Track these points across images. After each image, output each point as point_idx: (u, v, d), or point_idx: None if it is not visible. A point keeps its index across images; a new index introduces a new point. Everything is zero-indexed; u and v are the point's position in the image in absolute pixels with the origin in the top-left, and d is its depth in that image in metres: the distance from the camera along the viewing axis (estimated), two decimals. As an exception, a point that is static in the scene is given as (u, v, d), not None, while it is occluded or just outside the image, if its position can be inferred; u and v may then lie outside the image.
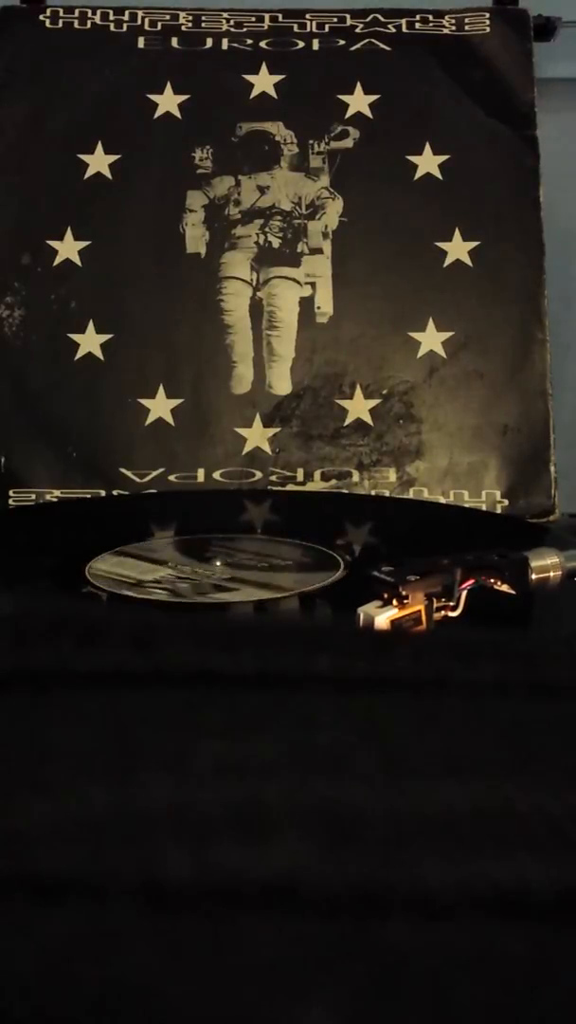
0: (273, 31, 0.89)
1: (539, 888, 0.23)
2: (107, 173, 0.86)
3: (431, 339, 0.84)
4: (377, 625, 0.48)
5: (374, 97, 0.87)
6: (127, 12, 0.89)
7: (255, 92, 0.87)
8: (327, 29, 0.89)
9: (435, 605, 0.50)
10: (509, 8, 0.91)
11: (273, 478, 0.83)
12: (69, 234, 0.85)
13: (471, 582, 0.51)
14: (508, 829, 0.24)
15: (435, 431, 0.83)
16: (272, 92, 0.87)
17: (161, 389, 0.83)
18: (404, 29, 0.88)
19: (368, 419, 0.84)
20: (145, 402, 0.83)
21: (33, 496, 0.82)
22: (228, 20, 0.89)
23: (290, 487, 0.83)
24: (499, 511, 0.82)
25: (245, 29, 0.89)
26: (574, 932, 0.22)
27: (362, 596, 0.50)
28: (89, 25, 0.88)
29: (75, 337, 0.84)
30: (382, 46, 0.88)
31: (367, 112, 0.87)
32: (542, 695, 0.31)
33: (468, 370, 0.84)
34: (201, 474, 0.83)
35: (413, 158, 0.86)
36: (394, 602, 0.49)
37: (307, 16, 0.89)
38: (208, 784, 0.25)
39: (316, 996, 0.20)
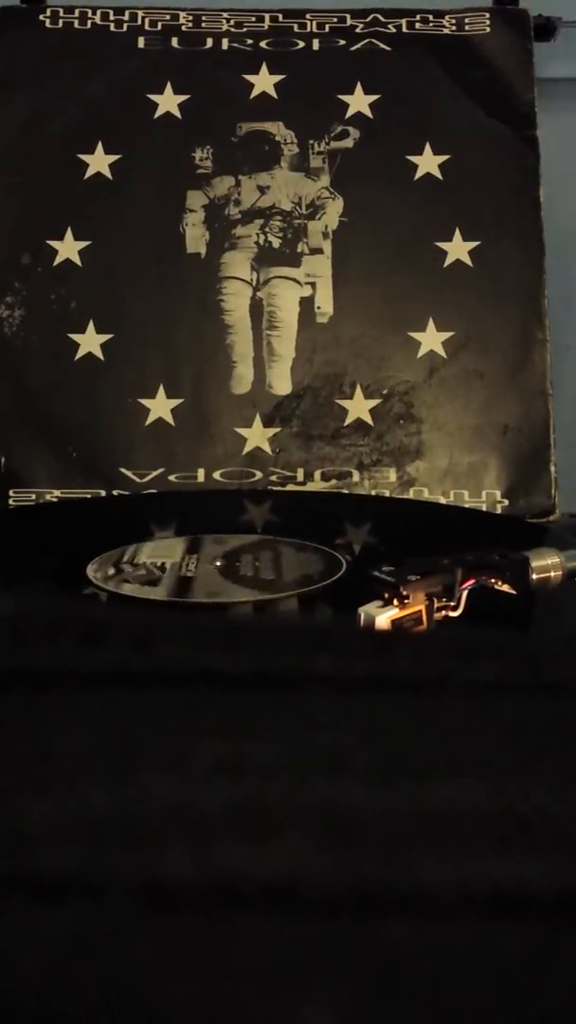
0: (273, 31, 0.89)
1: (539, 888, 0.23)
2: (107, 173, 0.86)
3: (431, 339, 0.84)
4: (378, 625, 0.48)
5: (374, 97, 0.87)
6: (127, 12, 0.89)
7: (255, 92, 0.87)
8: (327, 29, 0.89)
9: (436, 605, 0.50)
10: (509, 8, 0.91)
11: (273, 478, 0.83)
12: (69, 234, 0.85)
13: (472, 582, 0.51)
14: (508, 829, 0.24)
15: (435, 431, 0.83)
16: (272, 92, 0.87)
17: (161, 389, 0.83)
18: (404, 29, 0.88)
19: (368, 419, 0.84)
20: (145, 402, 0.83)
21: (33, 496, 0.82)
22: (228, 20, 0.89)
23: (290, 487, 0.83)
24: (499, 511, 0.82)
25: (245, 29, 0.89)
26: (574, 932, 0.22)
27: (363, 596, 0.50)
28: (89, 25, 0.88)
29: (75, 337, 0.84)
30: (382, 46, 0.88)
31: (367, 112, 0.87)
32: (543, 695, 0.31)
33: (468, 370, 0.84)
34: (201, 474, 0.83)
35: (413, 158, 0.86)
36: (395, 602, 0.49)
37: (307, 16, 0.89)
38: (208, 784, 0.25)
39: (316, 996, 0.20)
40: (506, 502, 0.82)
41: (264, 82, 0.87)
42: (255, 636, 0.31)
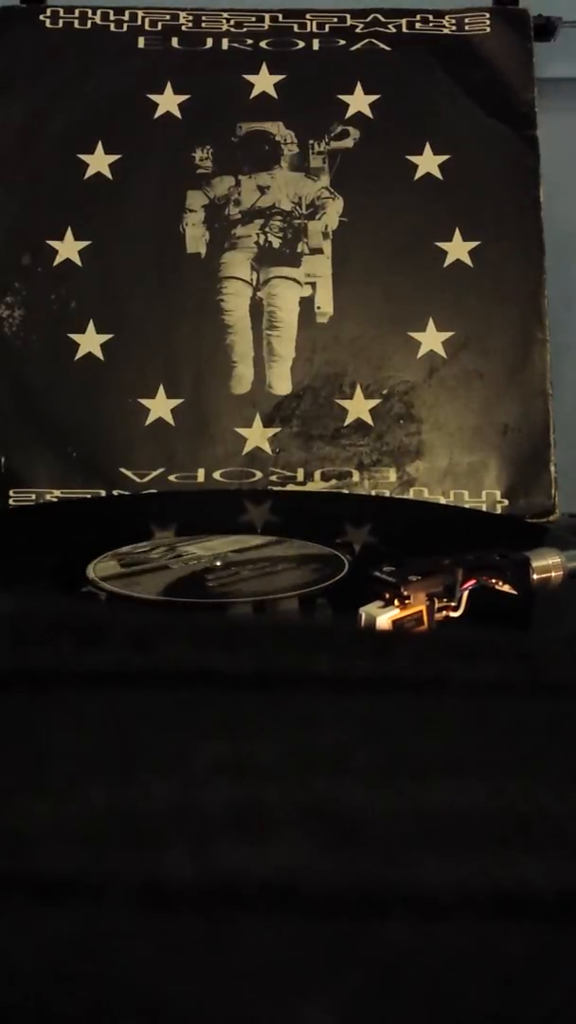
0: (273, 31, 0.89)
1: (539, 888, 0.23)
2: (107, 173, 0.86)
3: (431, 339, 0.84)
4: (379, 625, 0.48)
5: (374, 97, 0.87)
6: (127, 12, 0.89)
7: (255, 92, 0.87)
8: (327, 29, 0.89)
9: (436, 605, 0.50)
10: (509, 8, 0.91)
11: (273, 478, 0.83)
12: (69, 234, 0.85)
13: (472, 582, 0.51)
14: (508, 829, 0.24)
15: (435, 431, 0.83)
16: (272, 92, 0.87)
17: (161, 389, 0.83)
18: (404, 29, 0.88)
19: (368, 419, 0.84)
20: (145, 402, 0.83)
21: (33, 496, 0.82)
22: (228, 20, 0.89)
23: (290, 487, 0.83)
24: (499, 511, 0.82)
25: (245, 29, 0.89)
26: (574, 932, 0.22)
27: (363, 596, 0.50)
28: (89, 25, 0.88)
29: (75, 337, 0.84)
30: (382, 46, 0.88)
31: (367, 112, 0.87)
32: (543, 695, 0.31)
33: (468, 370, 0.84)
34: (201, 474, 0.83)
35: (413, 158, 0.86)
36: (396, 602, 0.49)
37: (307, 16, 0.89)
38: (208, 784, 0.25)
39: (316, 996, 0.20)
40: (506, 502, 0.82)
41: (264, 82, 0.87)
42: (255, 636, 0.31)
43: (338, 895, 0.23)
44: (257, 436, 0.83)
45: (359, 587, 0.52)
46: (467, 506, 0.82)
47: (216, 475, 0.83)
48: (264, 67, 0.88)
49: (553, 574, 0.53)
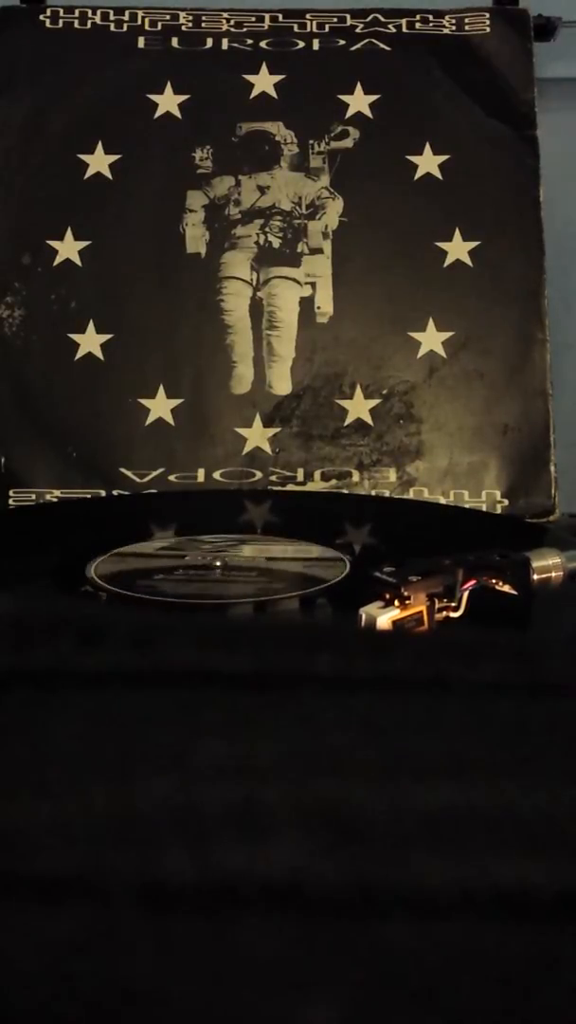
0: (273, 31, 0.89)
1: (539, 888, 0.23)
2: (107, 173, 0.86)
3: (431, 339, 0.84)
4: (379, 626, 0.48)
5: (374, 97, 0.87)
6: (127, 12, 0.89)
7: (255, 92, 0.87)
8: (327, 29, 0.89)
9: (437, 606, 0.50)
10: (509, 8, 0.91)
11: (273, 478, 0.83)
12: (69, 234, 0.85)
13: (473, 583, 0.51)
14: (508, 829, 0.24)
15: (435, 431, 0.83)
16: (272, 92, 0.87)
17: (161, 389, 0.83)
18: (404, 29, 0.88)
19: (368, 419, 0.84)
20: (145, 402, 0.83)
21: (33, 496, 0.82)
22: (228, 20, 0.89)
23: (290, 487, 0.83)
24: (499, 511, 0.82)
25: (245, 29, 0.89)
26: (574, 932, 0.22)
27: (364, 596, 0.50)
28: (89, 25, 0.88)
29: (75, 337, 0.84)
30: (382, 46, 0.88)
31: (367, 112, 0.87)
32: (543, 695, 0.31)
33: (468, 370, 0.84)
34: (201, 474, 0.83)
35: (413, 158, 0.86)
36: (396, 603, 0.49)
37: (307, 16, 0.89)
38: (208, 784, 0.25)
39: (316, 996, 0.20)
40: (506, 502, 0.82)
41: (264, 82, 0.87)
42: (255, 636, 0.31)
43: (338, 895, 0.23)
44: (257, 436, 0.83)
45: (359, 587, 0.52)
46: (467, 506, 0.82)
47: (216, 475, 0.83)
48: (264, 67, 0.88)
49: (553, 574, 0.53)
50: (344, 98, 0.87)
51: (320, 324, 0.85)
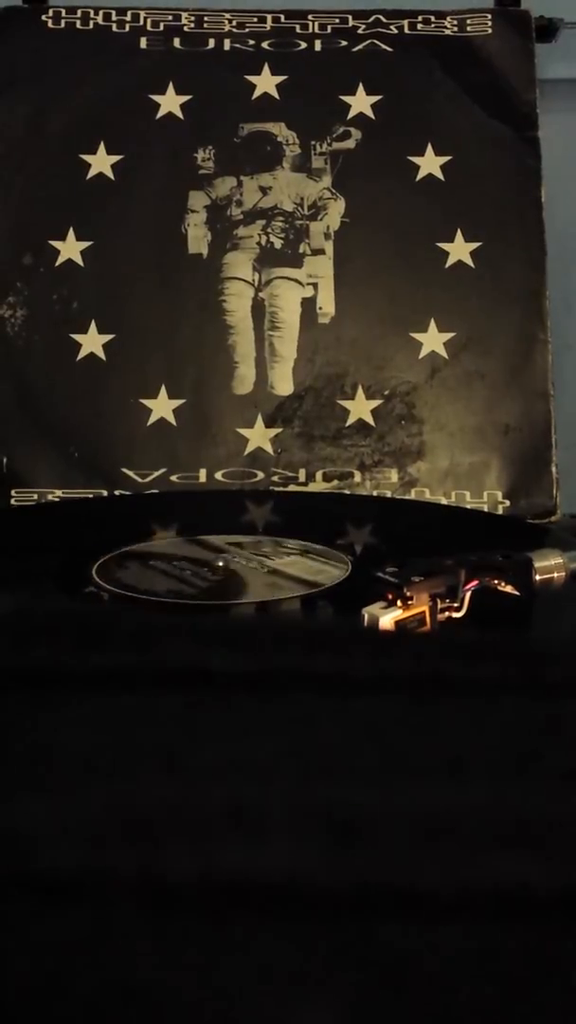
0: (275, 32, 0.89)
1: (539, 888, 0.23)
2: (109, 173, 0.86)
3: (433, 340, 0.84)
4: (381, 626, 0.48)
5: (376, 98, 0.87)
6: (129, 13, 0.89)
7: (257, 93, 0.87)
8: (329, 30, 0.89)
9: (439, 606, 0.50)
10: (511, 9, 0.91)
11: (275, 478, 0.83)
12: (71, 234, 0.85)
13: (475, 583, 0.51)
14: (508, 829, 0.24)
15: (437, 431, 0.83)
16: (274, 93, 0.87)
17: (163, 389, 0.83)
18: (406, 30, 0.88)
19: (370, 419, 0.84)
20: (147, 402, 0.83)
21: (35, 496, 0.82)
22: (230, 21, 0.89)
23: (292, 487, 0.83)
24: (501, 512, 0.82)
25: (247, 30, 0.89)
26: (574, 932, 0.22)
27: (366, 597, 0.50)
28: (91, 25, 0.88)
29: (77, 337, 0.84)
30: (384, 47, 0.88)
31: (369, 113, 0.87)
32: (544, 696, 0.31)
33: (469, 370, 0.84)
34: (203, 474, 0.83)
35: (415, 159, 0.86)
36: (398, 603, 0.49)
37: (309, 17, 0.89)
38: (208, 784, 0.25)
39: (316, 996, 0.20)
40: (507, 503, 0.82)
41: (266, 83, 0.87)
42: (256, 636, 0.31)
43: (338, 896, 0.23)
44: (259, 436, 0.83)
45: (362, 588, 0.52)
46: (469, 507, 0.82)
47: (218, 475, 0.83)
48: (266, 68, 0.88)
49: (555, 575, 0.53)
50: (346, 99, 0.87)
51: (322, 325, 0.85)
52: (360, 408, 0.84)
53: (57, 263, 0.85)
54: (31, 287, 0.84)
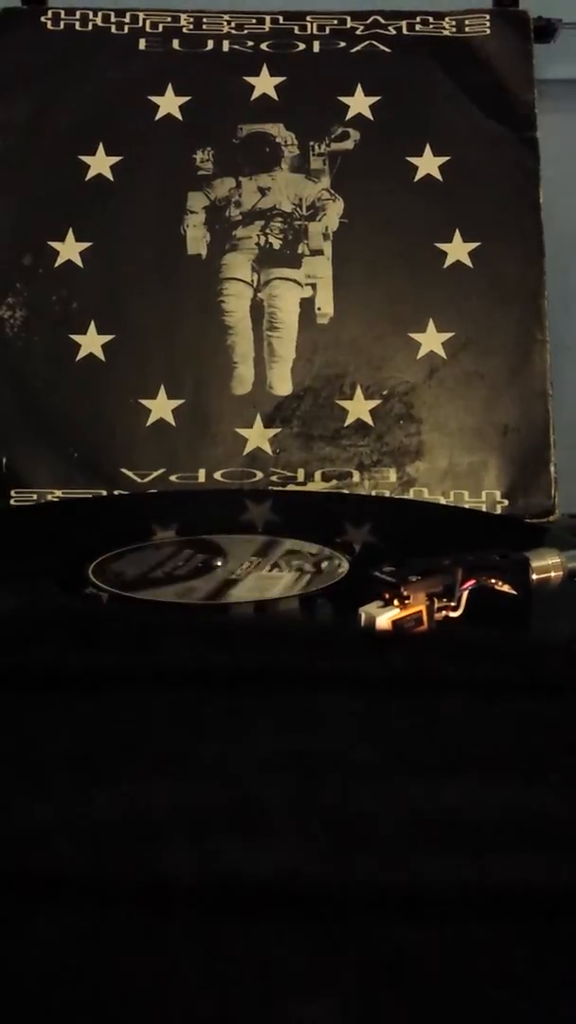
0: (274, 33, 0.89)
1: (539, 888, 0.23)
2: (108, 174, 0.86)
3: (431, 340, 0.84)
4: (378, 625, 0.48)
5: (374, 99, 0.87)
6: (128, 14, 0.89)
7: (256, 94, 0.87)
8: (327, 31, 0.89)
9: (436, 605, 0.50)
10: (509, 10, 0.91)
11: (274, 478, 0.83)
12: (71, 235, 0.85)
13: (472, 582, 0.51)
14: (508, 829, 0.24)
15: (435, 431, 0.83)
16: (273, 94, 0.87)
17: (162, 390, 0.84)
18: (404, 31, 0.89)
19: (368, 419, 0.84)
20: (146, 403, 0.83)
21: (35, 496, 0.82)
22: (229, 22, 0.89)
23: (291, 487, 0.83)
24: (499, 511, 0.82)
25: (246, 31, 0.89)
26: (574, 932, 0.22)
27: (363, 596, 0.50)
28: (90, 27, 0.88)
29: (76, 338, 0.84)
30: (382, 48, 0.88)
31: (367, 114, 0.87)
32: (543, 695, 0.31)
33: (468, 371, 0.84)
34: (202, 474, 0.83)
35: (413, 159, 0.86)
36: (395, 602, 0.49)
37: (308, 18, 0.89)
38: (208, 784, 0.25)
39: (316, 996, 0.21)
40: (506, 502, 0.82)
41: (265, 84, 0.87)
42: (255, 636, 0.31)
43: (338, 895, 0.23)
44: (258, 436, 0.83)
45: (359, 587, 0.52)
46: (467, 506, 0.82)
47: (217, 475, 0.83)
48: (265, 69, 0.88)
49: (553, 574, 0.53)
50: (344, 100, 0.87)
51: (320, 325, 0.85)
52: (359, 408, 0.84)
53: (57, 264, 0.85)
54: (31, 288, 0.85)
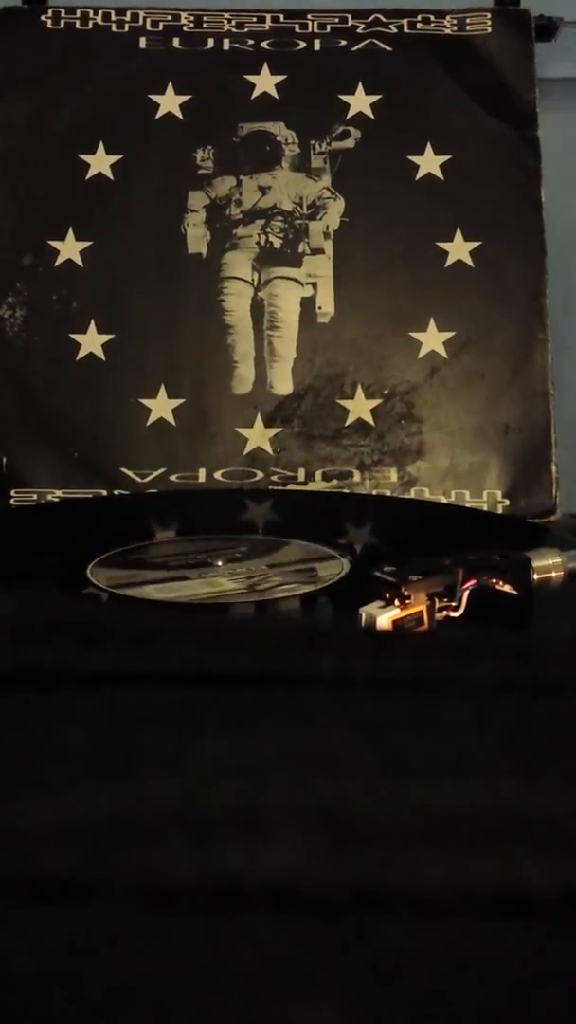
0: (274, 31, 0.89)
1: (539, 888, 0.23)
2: (108, 173, 0.86)
3: (432, 339, 0.84)
4: (379, 625, 0.48)
5: (375, 97, 0.87)
6: (128, 13, 0.89)
7: (256, 92, 0.87)
8: (328, 29, 0.89)
9: (437, 605, 0.49)
10: (510, 8, 0.91)
11: (274, 478, 0.83)
12: (71, 234, 0.85)
13: (473, 582, 0.51)
14: (508, 829, 0.24)
15: (436, 431, 0.83)
16: (273, 92, 0.87)
17: (162, 389, 0.83)
18: (405, 29, 0.88)
19: (369, 419, 0.84)
20: (146, 402, 0.83)
21: (35, 496, 0.82)
22: (229, 20, 0.89)
23: (291, 487, 0.83)
24: (500, 511, 0.82)
25: (246, 29, 0.89)
26: (574, 932, 0.22)
27: (364, 596, 0.50)
28: (91, 25, 0.88)
29: (77, 337, 0.84)
30: (383, 46, 0.88)
31: (368, 112, 0.87)
32: (543, 695, 0.31)
33: (469, 370, 0.84)
34: (202, 474, 0.83)
35: (414, 158, 0.86)
36: (396, 602, 0.49)
37: (308, 16, 0.89)
38: (208, 784, 0.25)
39: (316, 996, 0.20)
40: (507, 502, 0.82)
41: (265, 82, 0.87)
42: (256, 636, 0.31)
43: (338, 895, 0.23)
44: (258, 436, 0.83)
45: (360, 587, 0.52)
46: (468, 506, 0.82)
47: (217, 475, 0.83)
48: (265, 67, 0.88)
49: (554, 574, 0.53)
50: (345, 98, 0.87)
51: (321, 324, 0.85)
52: (359, 408, 0.84)
53: (57, 263, 0.85)
54: (31, 287, 0.84)
